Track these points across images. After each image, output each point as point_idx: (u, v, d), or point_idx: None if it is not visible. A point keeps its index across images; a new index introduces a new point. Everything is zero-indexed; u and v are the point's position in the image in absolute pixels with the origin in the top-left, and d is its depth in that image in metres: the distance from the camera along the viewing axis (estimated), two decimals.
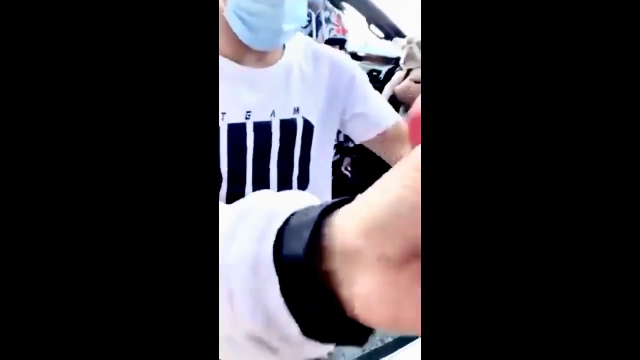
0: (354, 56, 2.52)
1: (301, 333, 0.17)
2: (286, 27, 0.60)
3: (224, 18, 0.60)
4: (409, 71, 1.44)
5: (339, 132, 1.61)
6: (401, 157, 0.62)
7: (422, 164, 0.17)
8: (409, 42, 1.44)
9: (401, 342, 0.84)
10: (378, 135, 0.76)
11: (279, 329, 0.17)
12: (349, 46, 2.47)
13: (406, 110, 1.43)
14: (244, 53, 0.62)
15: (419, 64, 1.39)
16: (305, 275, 0.16)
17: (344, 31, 1.70)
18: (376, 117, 0.76)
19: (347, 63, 0.76)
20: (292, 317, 0.17)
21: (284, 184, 0.67)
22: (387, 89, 1.47)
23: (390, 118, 0.79)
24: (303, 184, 0.71)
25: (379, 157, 1.41)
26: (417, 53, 1.39)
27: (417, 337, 0.63)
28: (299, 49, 0.69)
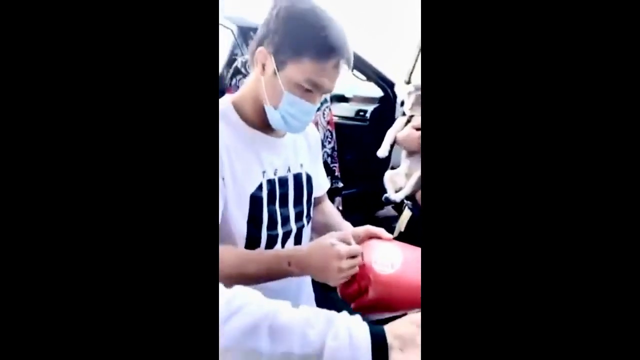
0: (342, 98, 2.75)
1: None
2: (307, 125, 0.85)
3: (256, 97, 0.81)
4: (410, 117, 1.43)
5: (328, 174, 1.80)
6: (317, 222, 0.92)
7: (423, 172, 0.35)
8: (417, 89, 1.40)
9: None
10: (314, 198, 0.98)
11: None
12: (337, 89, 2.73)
13: (409, 155, 1.45)
14: (268, 126, 0.84)
15: None
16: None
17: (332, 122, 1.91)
18: (318, 183, 0.99)
19: (316, 132, 1.02)
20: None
21: (298, 220, 0.90)
22: (390, 134, 1.46)
23: (325, 186, 1.04)
24: (309, 220, 0.95)
25: (366, 194, 1.58)
26: None
27: None
28: None
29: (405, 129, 1.43)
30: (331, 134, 1.86)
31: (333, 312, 0.54)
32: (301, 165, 0.93)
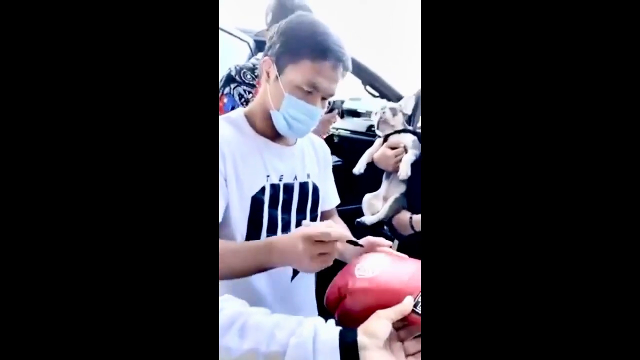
0: (355, 113, 2.79)
1: None
2: (311, 128, 0.89)
3: (264, 104, 0.87)
4: (386, 138, 1.44)
5: None
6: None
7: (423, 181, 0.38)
8: (382, 109, 1.44)
9: None
10: (321, 212, 1.02)
11: None
12: (350, 104, 2.77)
13: (387, 176, 1.44)
14: (277, 135, 0.90)
15: (394, 129, 1.41)
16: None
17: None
18: (327, 196, 1.04)
19: (326, 147, 1.08)
20: None
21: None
22: (366, 155, 1.46)
23: (335, 201, 1.08)
24: None
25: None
26: (390, 118, 1.41)
27: None
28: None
29: (381, 149, 1.43)
30: None
31: (307, 318, 0.55)
32: (308, 175, 0.97)
